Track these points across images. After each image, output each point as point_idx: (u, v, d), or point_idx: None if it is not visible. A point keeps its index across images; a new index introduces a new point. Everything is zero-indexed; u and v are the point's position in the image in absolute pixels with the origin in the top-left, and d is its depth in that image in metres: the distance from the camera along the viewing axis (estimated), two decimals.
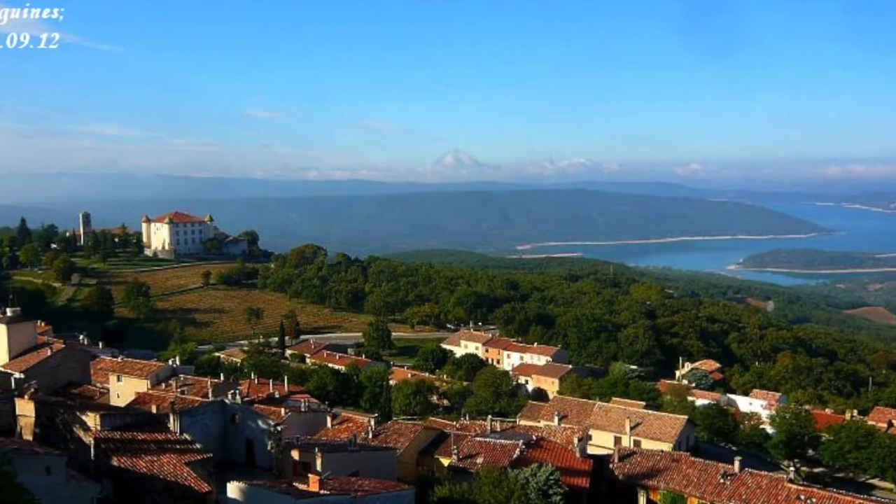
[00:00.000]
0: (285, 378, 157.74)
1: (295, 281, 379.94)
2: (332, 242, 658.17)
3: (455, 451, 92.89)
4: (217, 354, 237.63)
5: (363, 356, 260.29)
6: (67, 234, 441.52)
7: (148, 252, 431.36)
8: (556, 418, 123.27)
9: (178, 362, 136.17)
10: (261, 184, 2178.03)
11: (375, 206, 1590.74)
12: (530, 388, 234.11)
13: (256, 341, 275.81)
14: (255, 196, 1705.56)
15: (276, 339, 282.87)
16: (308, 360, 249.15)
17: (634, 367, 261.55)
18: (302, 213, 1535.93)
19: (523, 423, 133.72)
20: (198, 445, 71.43)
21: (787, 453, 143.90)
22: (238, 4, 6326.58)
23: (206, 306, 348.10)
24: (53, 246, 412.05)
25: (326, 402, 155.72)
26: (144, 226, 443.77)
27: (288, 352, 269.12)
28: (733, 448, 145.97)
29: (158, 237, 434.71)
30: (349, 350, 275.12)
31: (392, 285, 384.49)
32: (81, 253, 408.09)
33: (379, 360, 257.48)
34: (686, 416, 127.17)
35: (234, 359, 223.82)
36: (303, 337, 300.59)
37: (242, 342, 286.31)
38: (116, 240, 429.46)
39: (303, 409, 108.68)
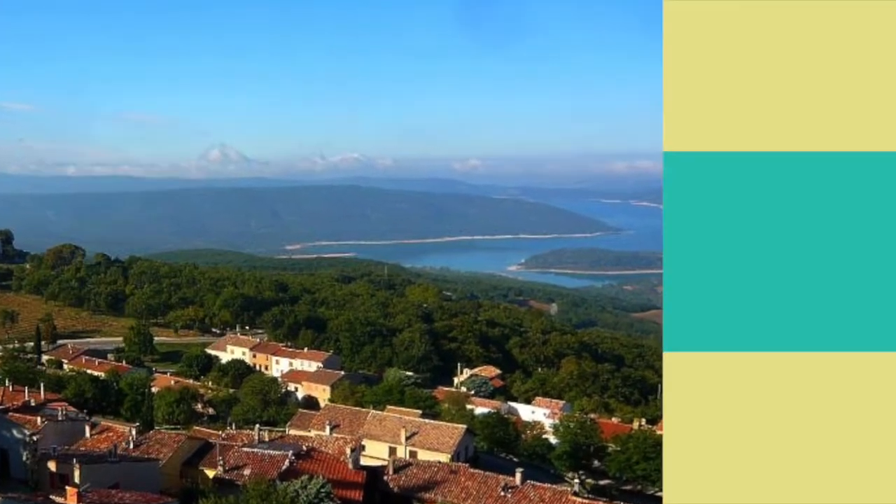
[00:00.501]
0: (41, 385, 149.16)
1: (52, 283, 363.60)
2: (91, 242, 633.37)
3: (221, 462, 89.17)
4: None
5: (124, 362, 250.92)
6: None
7: None
8: (327, 427, 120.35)
9: None
10: (14, 180, 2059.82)
11: (138, 204, 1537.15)
12: (300, 395, 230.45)
13: (11, 346, 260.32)
14: (8, 192, 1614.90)
15: (32, 343, 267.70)
16: (66, 366, 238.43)
17: (410, 373, 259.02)
18: (59, 211, 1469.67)
19: (293, 432, 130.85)
20: None
21: (572, 464, 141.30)
22: None
23: None
24: None
25: (85, 411, 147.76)
26: None
27: (44, 357, 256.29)
28: (515, 459, 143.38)
29: None
30: (109, 356, 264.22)
31: (154, 287, 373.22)
32: None
33: (140, 367, 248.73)
34: (465, 426, 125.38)
35: None
36: (60, 341, 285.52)
37: None
38: None
39: (60, 418, 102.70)
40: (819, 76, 20.04)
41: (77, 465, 70.83)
